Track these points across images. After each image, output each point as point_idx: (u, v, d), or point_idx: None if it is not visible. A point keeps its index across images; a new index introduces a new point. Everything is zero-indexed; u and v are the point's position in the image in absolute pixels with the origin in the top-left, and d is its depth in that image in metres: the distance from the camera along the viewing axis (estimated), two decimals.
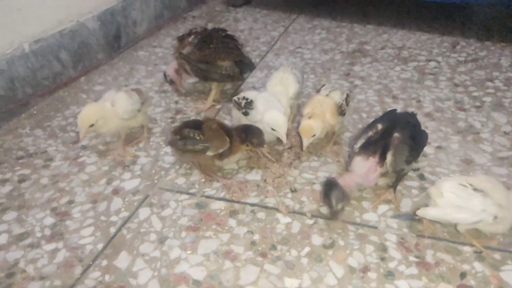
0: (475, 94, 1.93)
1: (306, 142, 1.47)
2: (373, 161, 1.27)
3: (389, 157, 1.26)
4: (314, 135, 1.46)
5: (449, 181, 1.16)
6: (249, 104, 1.52)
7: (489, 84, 2.01)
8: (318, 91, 1.61)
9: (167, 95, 2.08)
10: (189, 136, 1.43)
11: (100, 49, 2.39)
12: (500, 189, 1.15)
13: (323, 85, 1.63)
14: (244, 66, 1.88)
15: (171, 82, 2.00)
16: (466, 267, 1.15)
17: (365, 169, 1.26)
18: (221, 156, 1.46)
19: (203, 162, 1.49)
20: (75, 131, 1.83)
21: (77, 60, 2.24)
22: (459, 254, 1.19)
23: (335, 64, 2.28)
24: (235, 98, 1.58)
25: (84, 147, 1.72)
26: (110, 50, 2.47)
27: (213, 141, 1.42)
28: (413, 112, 1.56)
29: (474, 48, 2.36)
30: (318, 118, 1.48)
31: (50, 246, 1.28)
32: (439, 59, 2.26)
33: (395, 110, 1.52)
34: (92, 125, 1.51)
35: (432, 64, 2.21)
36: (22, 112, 1.97)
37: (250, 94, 1.57)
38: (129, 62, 2.43)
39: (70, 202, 1.45)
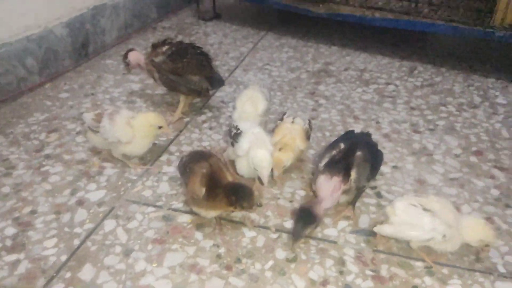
0: (430, 117, 2.06)
1: (277, 174, 1.54)
2: (337, 180, 1.34)
3: (353, 174, 1.35)
4: (284, 166, 1.54)
5: (401, 201, 1.25)
6: (237, 136, 1.50)
7: (443, 108, 2.15)
8: (281, 119, 1.69)
9: (135, 105, 2.09)
10: (186, 171, 1.37)
11: (67, 56, 2.36)
12: (449, 209, 1.25)
13: (285, 113, 1.72)
14: (214, 82, 1.93)
15: (126, 64, 2.00)
16: (417, 281, 1.24)
17: (330, 190, 1.33)
18: (198, 203, 1.33)
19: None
20: (38, 139, 1.80)
21: (43, 66, 2.21)
22: (411, 269, 1.27)
23: (301, 83, 2.36)
24: (232, 123, 1.60)
25: (47, 156, 1.70)
26: (77, 57, 2.44)
27: (189, 182, 1.32)
28: (368, 132, 1.67)
29: (430, 73, 2.52)
30: (289, 149, 1.55)
31: (11, 257, 1.26)
32: (397, 82, 2.40)
33: (353, 130, 1.62)
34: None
35: (391, 87, 2.34)
36: None
37: (243, 126, 1.53)
38: (97, 70, 2.41)
39: (33, 212, 1.43)
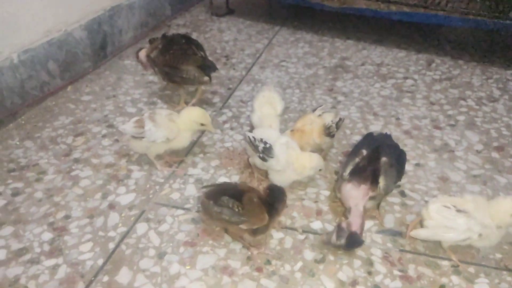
0: (450, 112, 2.07)
1: None
2: (364, 188, 1.36)
3: (381, 181, 1.36)
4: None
5: (435, 203, 1.28)
6: (268, 150, 1.45)
7: (462, 102, 2.15)
8: (314, 110, 1.70)
9: (156, 106, 2.12)
10: (227, 206, 1.29)
11: (86, 58, 2.40)
12: (484, 208, 1.27)
13: (320, 105, 1.74)
14: (206, 69, 1.99)
15: (140, 62, 2.12)
16: (444, 280, 1.26)
17: (359, 198, 1.35)
18: (255, 232, 1.31)
19: (233, 230, 1.36)
20: (65, 143, 1.85)
21: (64, 69, 2.25)
22: (438, 268, 1.30)
23: (319, 79, 2.37)
24: (249, 135, 1.50)
25: (76, 160, 1.74)
26: (96, 59, 2.47)
27: (251, 217, 1.28)
28: (387, 133, 1.63)
29: (448, 66, 2.51)
30: (297, 135, 1.61)
31: (50, 262, 1.31)
32: (416, 76, 2.40)
33: (372, 133, 1.59)
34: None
35: (409, 82, 2.34)
36: (10, 122, 1.96)
37: (268, 135, 1.50)
38: (116, 72, 2.44)
39: (67, 217, 1.47)
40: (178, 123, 1.61)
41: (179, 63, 1.95)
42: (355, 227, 1.27)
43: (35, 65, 2.07)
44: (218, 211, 1.29)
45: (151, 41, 2.02)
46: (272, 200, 1.32)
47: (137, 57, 2.11)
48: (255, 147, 1.48)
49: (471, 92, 2.24)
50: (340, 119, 1.67)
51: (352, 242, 1.27)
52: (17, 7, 1.95)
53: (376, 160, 1.39)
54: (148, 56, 2.00)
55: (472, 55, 2.61)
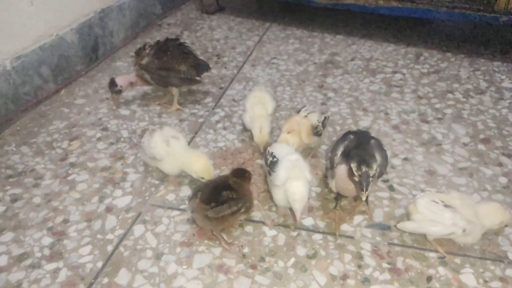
0: (437, 106, 2.11)
1: None
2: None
3: (378, 157, 1.32)
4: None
5: (423, 198, 1.34)
6: (273, 164, 1.42)
7: (450, 95, 2.20)
8: (298, 111, 1.74)
9: (149, 108, 2.15)
10: (230, 198, 1.34)
11: (78, 61, 2.42)
12: (470, 205, 1.33)
13: (304, 107, 1.76)
14: (199, 68, 2.06)
15: (118, 92, 2.05)
16: (431, 271, 1.32)
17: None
18: (249, 209, 1.40)
19: (230, 223, 1.41)
20: (61, 147, 1.88)
21: (57, 73, 2.27)
22: (426, 260, 1.35)
23: (309, 76, 2.41)
24: (268, 148, 1.51)
25: (72, 164, 1.78)
26: (88, 62, 2.50)
27: (246, 196, 1.38)
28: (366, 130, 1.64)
29: (436, 59, 2.55)
30: (296, 135, 1.63)
31: (51, 266, 1.35)
32: (404, 71, 2.44)
33: (350, 131, 1.54)
34: None
35: (398, 76, 2.39)
36: (5, 128, 1.99)
37: (280, 152, 1.46)
38: (108, 74, 2.46)
39: (65, 221, 1.51)
40: (175, 153, 1.56)
41: (177, 64, 1.99)
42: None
43: (28, 70, 2.09)
44: (226, 207, 1.32)
45: (137, 52, 2.04)
46: (240, 176, 1.42)
47: (113, 85, 2.02)
48: (266, 160, 1.49)
49: (458, 85, 2.28)
50: (325, 117, 1.72)
51: None
52: (8, 14, 1.97)
53: (366, 142, 1.37)
54: (139, 64, 2.01)
55: (459, 47, 2.66)
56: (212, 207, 1.32)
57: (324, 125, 1.70)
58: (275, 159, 1.43)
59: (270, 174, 1.43)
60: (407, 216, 1.40)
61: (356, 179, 1.26)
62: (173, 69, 2.00)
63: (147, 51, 2.01)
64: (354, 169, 1.24)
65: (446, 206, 1.31)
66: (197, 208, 1.36)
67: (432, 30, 2.92)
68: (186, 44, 2.10)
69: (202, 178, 1.53)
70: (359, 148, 1.34)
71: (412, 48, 2.68)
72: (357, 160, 1.24)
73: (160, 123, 2.03)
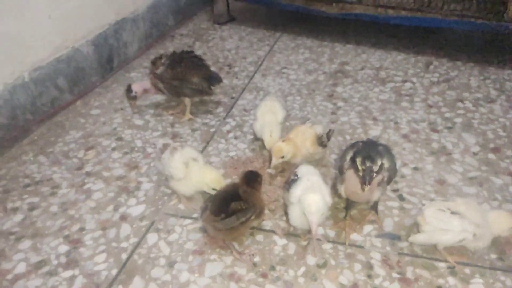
0: (447, 115, 2.12)
1: (274, 161, 1.66)
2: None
3: (386, 162, 1.35)
4: (282, 157, 1.64)
5: (430, 208, 1.36)
6: (293, 182, 1.43)
7: (460, 104, 2.20)
8: (303, 123, 1.77)
9: (162, 118, 2.20)
10: (238, 209, 1.36)
11: (94, 72, 2.48)
12: (476, 209, 1.35)
13: (308, 120, 1.81)
14: (212, 80, 2.13)
15: (133, 98, 2.18)
16: (441, 281, 1.32)
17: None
18: (259, 215, 1.43)
19: (241, 232, 1.43)
20: (77, 157, 1.93)
21: (73, 84, 2.33)
22: (435, 270, 1.36)
23: (319, 85, 2.44)
24: (296, 169, 1.51)
25: (88, 174, 1.82)
26: (103, 73, 2.56)
27: (255, 203, 1.40)
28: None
29: (446, 68, 2.56)
30: (290, 143, 1.66)
31: (67, 274, 1.39)
32: (414, 79, 2.45)
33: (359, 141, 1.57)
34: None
35: (408, 85, 2.40)
36: (23, 138, 2.05)
37: (302, 171, 1.47)
38: (123, 84, 2.52)
39: (81, 229, 1.56)
40: (191, 172, 1.56)
41: (190, 75, 2.06)
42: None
43: (45, 82, 2.16)
44: (234, 219, 1.34)
45: (153, 62, 2.11)
46: (251, 182, 1.43)
47: (130, 91, 2.15)
48: (289, 177, 1.51)
49: (468, 94, 2.29)
50: (330, 130, 1.75)
51: None
52: (26, 27, 2.04)
53: (374, 148, 1.38)
54: (154, 73, 2.08)
55: (470, 55, 2.66)
56: (222, 218, 1.34)
57: (329, 136, 1.73)
58: (295, 177, 1.43)
59: (288, 191, 1.43)
60: (416, 228, 1.41)
61: (360, 173, 1.30)
62: (186, 80, 2.06)
63: (163, 61, 2.08)
64: (358, 163, 1.30)
65: (453, 213, 1.33)
66: (207, 219, 1.39)
67: (442, 39, 2.93)
68: (200, 57, 2.16)
69: (214, 189, 1.56)
70: (366, 154, 1.35)
71: (422, 57, 2.69)
72: (362, 156, 1.31)
73: (173, 133, 2.08)
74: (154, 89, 2.16)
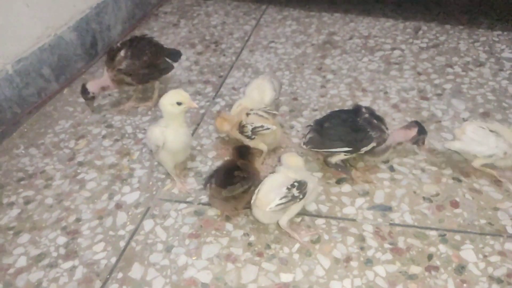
0: (437, 81, 2.11)
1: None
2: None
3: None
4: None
5: (471, 124, 1.54)
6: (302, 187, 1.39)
7: (449, 70, 2.19)
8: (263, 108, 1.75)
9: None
10: (241, 177, 1.43)
11: (78, 59, 2.45)
12: (509, 132, 1.52)
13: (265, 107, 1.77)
14: (173, 56, 2.14)
15: (91, 99, 2.01)
16: (432, 249, 1.36)
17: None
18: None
19: (246, 200, 1.46)
20: (68, 147, 1.93)
21: (58, 73, 2.30)
22: (426, 238, 1.39)
23: (307, 58, 2.41)
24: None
25: (81, 164, 1.83)
26: (88, 58, 2.52)
27: (255, 172, 1.50)
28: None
29: (435, 32, 2.53)
30: (219, 120, 1.79)
31: (67, 265, 1.42)
32: (403, 46, 2.42)
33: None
34: None
35: (397, 52, 2.38)
36: (13, 131, 2.04)
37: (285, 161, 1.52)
38: None
39: (78, 220, 1.57)
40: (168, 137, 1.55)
41: (156, 59, 2.05)
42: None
43: (30, 73, 2.13)
44: (240, 187, 1.41)
45: (112, 58, 1.97)
46: (244, 156, 1.53)
47: (85, 92, 1.97)
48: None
49: (457, 58, 2.27)
50: (262, 126, 1.64)
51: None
52: (5, 18, 1.99)
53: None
54: (118, 70, 1.96)
55: (458, 17, 2.62)
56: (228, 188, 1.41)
57: (254, 132, 1.64)
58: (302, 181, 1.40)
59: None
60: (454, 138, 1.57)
61: None
62: (154, 65, 2.04)
63: (123, 54, 1.97)
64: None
65: (491, 131, 1.50)
66: (214, 192, 1.44)
67: (431, 2, 2.88)
68: (154, 38, 2.14)
69: (179, 103, 1.49)
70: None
71: (410, 22, 2.66)
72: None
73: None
74: (114, 85, 2.03)
